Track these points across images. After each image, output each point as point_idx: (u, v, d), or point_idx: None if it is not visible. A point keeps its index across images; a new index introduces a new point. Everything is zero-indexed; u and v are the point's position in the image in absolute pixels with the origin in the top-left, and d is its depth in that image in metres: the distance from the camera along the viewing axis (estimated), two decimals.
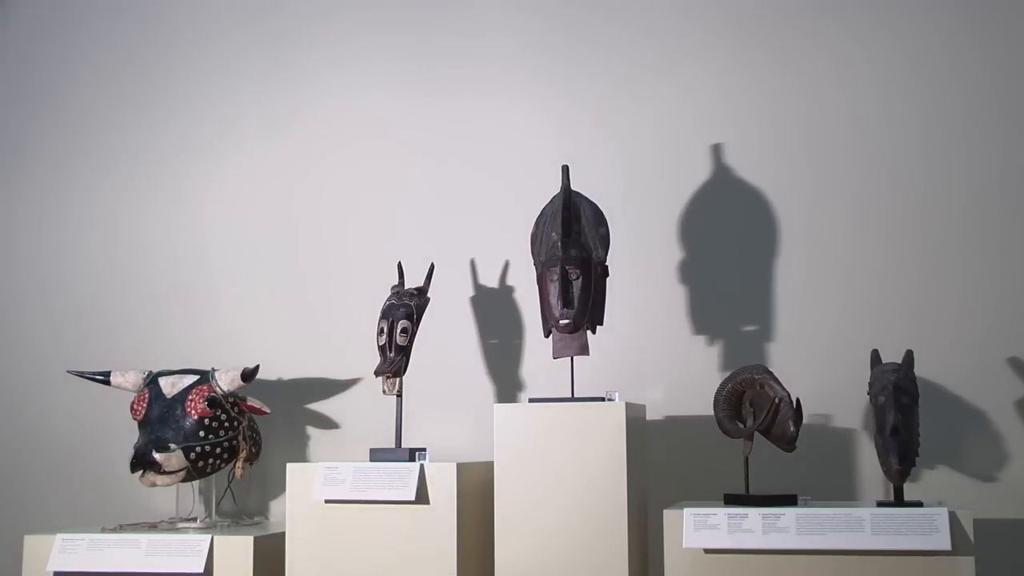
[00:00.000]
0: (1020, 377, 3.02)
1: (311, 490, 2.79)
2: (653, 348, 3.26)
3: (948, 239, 3.14)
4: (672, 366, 3.23)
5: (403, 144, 3.56)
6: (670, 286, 3.27)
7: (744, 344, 3.17)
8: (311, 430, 3.50)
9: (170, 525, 3.05)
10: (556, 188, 2.83)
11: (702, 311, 3.25)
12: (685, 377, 3.19)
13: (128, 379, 3.14)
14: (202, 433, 3.01)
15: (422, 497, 2.72)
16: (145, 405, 3.05)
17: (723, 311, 3.23)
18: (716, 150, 3.29)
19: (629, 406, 2.69)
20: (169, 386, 3.07)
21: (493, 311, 3.41)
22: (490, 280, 3.43)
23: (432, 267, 3.05)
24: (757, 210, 3.25)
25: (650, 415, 3.03)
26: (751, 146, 3.28)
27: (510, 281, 3.40)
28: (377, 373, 2.92)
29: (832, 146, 3.24)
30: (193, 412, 3.01)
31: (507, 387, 3.33)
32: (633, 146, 3.36)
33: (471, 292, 3.44)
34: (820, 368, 3.11)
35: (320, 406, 3.50)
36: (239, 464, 3.08)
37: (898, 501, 2.57)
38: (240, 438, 3.07)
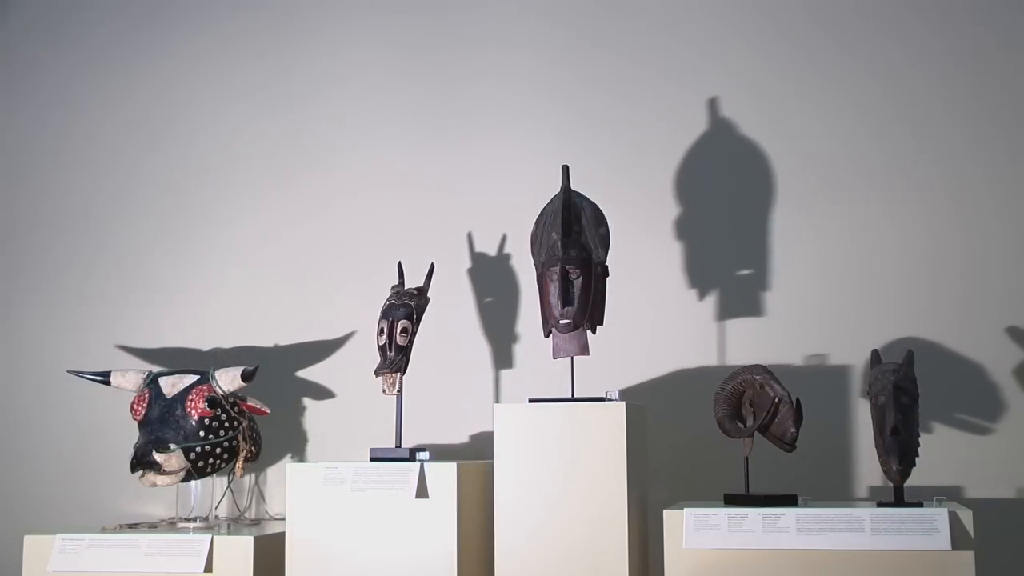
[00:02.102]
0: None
1: (311, 490, 2.79)
2: (653, 345, 3.27)
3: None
4: (672, 363, 3.24)
5: (403, 143, 3.57)
6: (671, 278, 3.29)
7: (745, 339, 3.19)
8: (311, 430, 3.50)
9: (170, 525, 3.05)
10: (556, 187, 2.83)
11: (701, 309, 3.26)
12: (685, 376, 3.20)
13: (128, 379, 3.14)
14: (202, 433, 3.01)
15: (422, 497, 2.72)
16: (145, 405, 3.04)
17: (725, 306, 3.25)
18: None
19: (629, 406, 2.69)
20: (169, 386, 3.07)
21: (494, 309, 3.42)
22: (491, 278, 3.44)
23: (432, 267, 3.05)
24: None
25: (650, 415, 3.03)
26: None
27: (511, 278, 3.41)
28: (377, 373, 2.92)
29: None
30: (193, 412, 3.01)
31: (508, 384, 3.35)
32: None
33: (471, 291, 3.44)
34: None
35: (320, 406, 3.50)
36: (239, 464, 3.08)
37: (898, 501, 2.57)
38: (240, 438, 3.07)
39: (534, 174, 3.26)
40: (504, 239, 3.43)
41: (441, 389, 3.33)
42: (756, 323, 3.20)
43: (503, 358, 3.38)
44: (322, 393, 3.50)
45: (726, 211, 3.29)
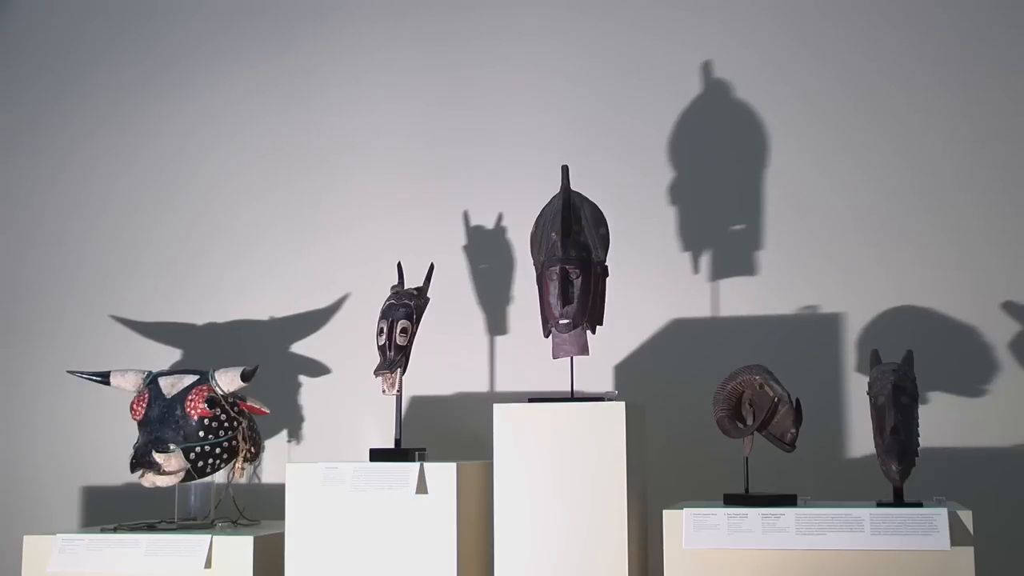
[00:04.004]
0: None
1: (310, 490, 2.79)
2: (652, 345, 3.28)
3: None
4: (671, 363, 3.26)
5: (403, 142, 3.57)
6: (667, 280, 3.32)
7: (743, 345, 3.18)
8: (311, 430, 3.50)
9: (170, 525, 3.05)
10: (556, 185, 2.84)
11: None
12: (684, 375, 3.21)
13: (128, 380, 3.14)
14: (202, 433, 3.01)
15: (422, 497, 2.72)
16: (145, 405, 3.04)
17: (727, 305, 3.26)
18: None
19: (629, 406, 2.69)
20: (168, 386, 3.07)
21: (496, 308, 3.43)
22: (493, 276, 3.44)
23: (432, 267, 3.05)
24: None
25: (650, 415, 3.03)
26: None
27: (511, 275, 3.42)
28: (376, 373, 2.92)
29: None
30: (193, 412, 3.01)
31: (508, 383, 3.35)
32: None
33: (473, 289, 3.45)
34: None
35: (320, 406, 3.51)
36: (239, 464, 3.07)
37: (898, 501, 2.58)
38: (240, 438, 3.07)
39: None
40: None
41: (441, 389, 3.34)
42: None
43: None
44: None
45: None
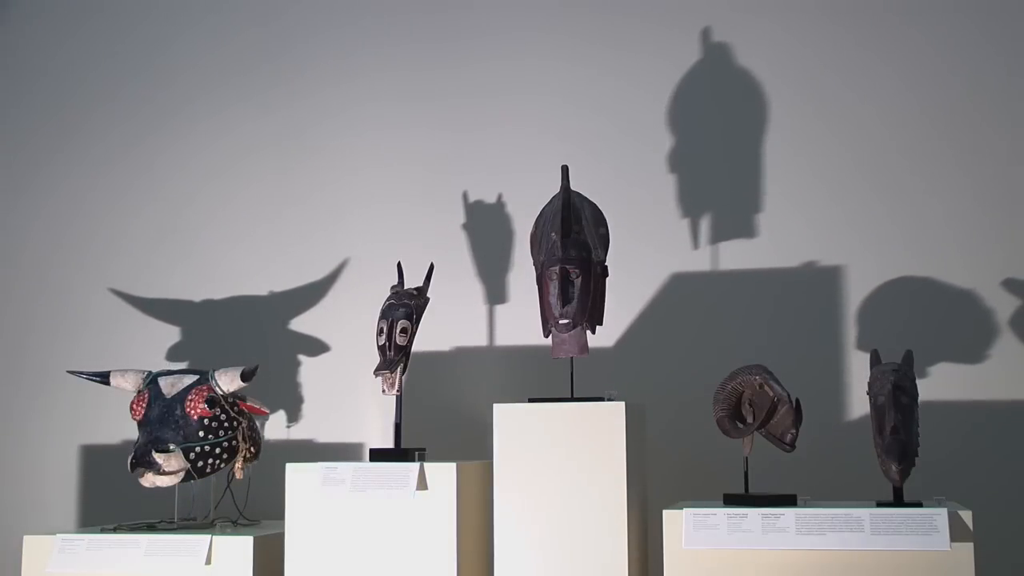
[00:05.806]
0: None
1: (310, 490, 2.79)
2: (652, 346, 3.29)
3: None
4: (670, 364, 3.26)
5: (404, 143, 3.57)
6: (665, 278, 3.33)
7: (742, 346, 3.19)
8: (311, 430, 3.50)
9: (170, 525, 3.05)
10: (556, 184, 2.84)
11: (703, 309, 3.28)
12: (685, 375, 3.21)
13: (128, 380, 3.14)
14: (202, 433, 3.01)
15: (422, 497, 2.72)
16: (144, 405, 3.04)
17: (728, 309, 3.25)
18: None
19: (629, 406, 2.69)
20: (168, 386, 3.07)
21: (497, 310, 3.44)
22: (494, 279, 3.44)
23: (431, 267, 3.05)
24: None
25: (650, 415, 3.03)
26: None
27: (512, 277, 3.42)
28: (376, 373, 2.92)
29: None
30: (193, 412, 3.01)
31: (508, 383, 3.35)
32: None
33: (475, 288, 3.45)
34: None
35: (320, 406, 3.51)
36: (238, 464, 3.07)
37: (898, 501, 2.57)
38: (240, 438, 3.07)
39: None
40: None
41: (442, 388, 3.34)
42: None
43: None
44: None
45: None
